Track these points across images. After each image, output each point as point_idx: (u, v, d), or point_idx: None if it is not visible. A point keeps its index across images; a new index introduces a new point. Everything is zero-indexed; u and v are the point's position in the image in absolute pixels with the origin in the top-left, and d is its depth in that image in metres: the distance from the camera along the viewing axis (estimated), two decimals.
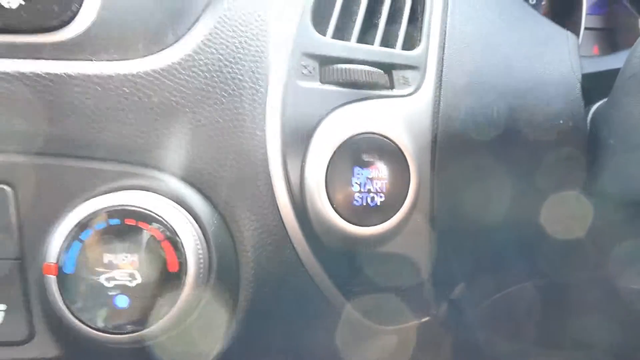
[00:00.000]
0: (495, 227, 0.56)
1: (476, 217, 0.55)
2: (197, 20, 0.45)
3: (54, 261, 0.37)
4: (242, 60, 0.46)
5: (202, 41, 0.44)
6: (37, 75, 0.41)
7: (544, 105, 0.55)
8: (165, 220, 0.38)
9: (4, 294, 0.40)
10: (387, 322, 0.58)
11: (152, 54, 0.44)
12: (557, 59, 0.58)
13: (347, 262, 0.51)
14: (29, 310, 0.40)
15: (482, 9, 0.58)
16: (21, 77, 0.41)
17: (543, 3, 0.89)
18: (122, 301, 0.38)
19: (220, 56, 0.45)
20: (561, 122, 0.55)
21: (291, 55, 0.47)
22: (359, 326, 0.56)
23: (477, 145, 0.53)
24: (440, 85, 0.53)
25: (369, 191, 0.47)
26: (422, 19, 0.55)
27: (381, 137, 0.48)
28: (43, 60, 0.41)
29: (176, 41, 0.44)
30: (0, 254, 0.40)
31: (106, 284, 0.37)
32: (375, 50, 0.52)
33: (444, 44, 0.54)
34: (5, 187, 0.40)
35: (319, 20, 0.51)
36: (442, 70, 0.53)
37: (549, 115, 0.55)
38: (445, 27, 0.55)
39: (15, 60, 0.41)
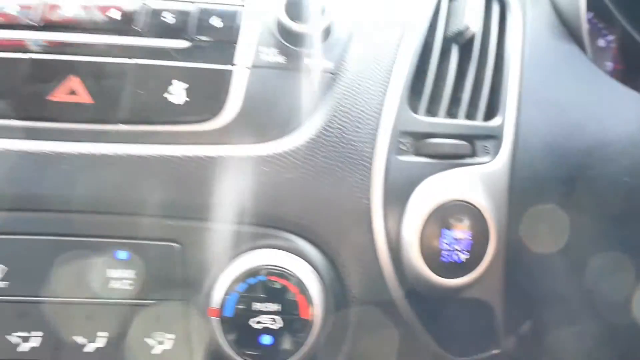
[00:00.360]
0: (563, 271, 0.64)
1: (546, 263, 0.64)
2: (316, 109, 0.56)
3: (217, 307, 0.49)
4: (352, 141, 0.56)
5: (321, 126, 0.55)
6: (198, 157, 0.53)
7: (611, 163, 0.63)
8: (298, 277, 0.50)
9: (173, 327, 0.52)
10: (461, 354, 0.67)
11: (282, 137, 0.55)
12: (625, 119, 0.64)
13: (432, 304, 0.61)
14: (191, 340, 0.53)
15: (556, 75, 0.65)
16: (185, 158, 0.53)
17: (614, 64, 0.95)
18: (267, 339, 0.49)
19: (335, 138, 0.55)
20: (627, 179, 0.62)
21: (391, 134, 0.57)
22: (437, 356, 0.66)
23: (549, 200, 0.62)
24: (516, 149, 0.61)
25: (454, 249, 0.56)
26: (500, 91, 0.64)
27: (465, 204, 0.57)
28: (201, 145, 0.53)
29: (299, 127, 0.55)
30: (171, 296, 0.52)
31: (255, 325, 0.49)
32: (460, 124, 0.61)
33: (520, 112, 0.62)
34: (175, 244, 0.52)
35: (413, 98, 0.61)
36: (518, 136, 0.62)
37: (616, 172, 0.62)
38: (521, 96, 0.63)
39: (179, 145, 0.53)
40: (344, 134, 0.55)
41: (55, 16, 0.55)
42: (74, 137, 0.52)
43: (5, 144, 0.52)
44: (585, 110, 0.64)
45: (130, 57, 0.54)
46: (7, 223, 0.51)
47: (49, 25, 0.55)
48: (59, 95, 0.53)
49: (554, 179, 0.62)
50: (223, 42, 0.56)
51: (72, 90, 0.53)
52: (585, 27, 0.70)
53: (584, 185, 0.62)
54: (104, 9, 0.56)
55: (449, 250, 0.56)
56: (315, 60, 0.57)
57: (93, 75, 0.53)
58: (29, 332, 0.52)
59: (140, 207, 0.52)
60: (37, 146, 0.52)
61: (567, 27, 0.71)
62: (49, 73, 0.53)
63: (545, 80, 0.65)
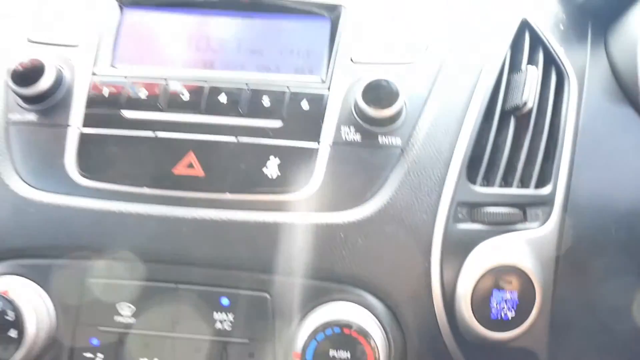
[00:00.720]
0: (604, 327, 0.72)
1: (588, 320, 0.71)
2: (386, 182, 0.66)
3: (299, 352, 0.61)
4: (415, 211, 0.66)
5: (389, 198, 0.65)
6: (286, 223, 0.64)
7: None
8: (366, 331, 0.60)
9: None
10: None
11: (357, 207, 0.65)
12: None
13: (482, 352, 0.70)
14: None
15: (610, 140, 0.71)
16: (276, 224, 0.64)
17: None
18: None
19: (401, 209, 0.65)
20: None
21: (450, 205, 0.66)
22: None
23: (596, 260, 0.69)
24: (566, 215, 0.68)
25: (503, 308, 0.65)
26: (553, 158, 0.71)
27: (515, 268, 0.66)
28: (289, 213, 0.65)
29: (372, 197, 0.66)
30: (262, 337, 0.64)
31: None
32: (514, 193, 0.69)
33: (571, 179, 0.69)
34: (267, 295, 0.64)
35: (471, 167, 0.69)
36: (568, 203, 0.69)
37: None
38: (574, 163, 0.70)
39: (272, 212, 0.65)
40: (408, 205, 0.65)
41: (176, 100, 0.68)
42: (190, 203, 0.65)
43: (138, 207, 0.65)
44: (637, 171, 0.70)
45: (235, 136, 0.66)
46: (136, 272, 0.65)
47: (171, 107, 0.68)
48: (180, 169, 0.65)
49: (601, 241, 0.68)
50: (310, 123, 0.67)
51: (190, 164, 0.66)
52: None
53: (630, 245, 0.68)
54: (215, 93, 0.69)
55: (498, 308, 0.65)
56: (387, 139, 0.67)
57: (205, 152, 0.66)
58: (151, 359, 0.65)
59: (240, 263, 0.64)
60: (161, 211, 0.65)
61: (625, 91, 0.76)
62: (173, 150, 0.66)
63: (598, 146, 0.71)
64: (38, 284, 0.65)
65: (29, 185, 0.66)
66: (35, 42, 0.73)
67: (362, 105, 0.65)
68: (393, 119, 0.67)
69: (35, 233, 0.65)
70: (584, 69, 0.77)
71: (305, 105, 0.67)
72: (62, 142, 0.67)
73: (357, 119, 0.67)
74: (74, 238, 0.65)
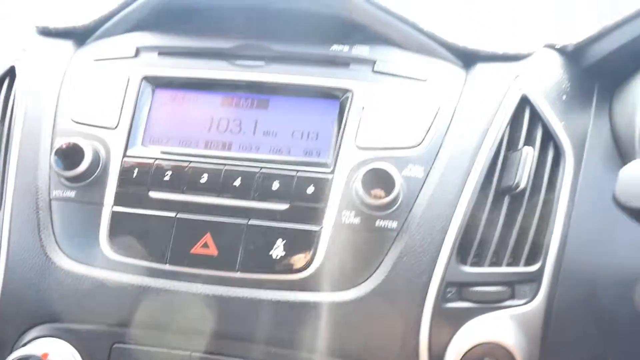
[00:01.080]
0: None
1: None
2: (381, 263, 0.73)
3: None
4: (407, 290, 0.72)
5: (382, 280, 0.72)
6: (288, 301, 0.72)
7: None
8: None
9: None
10: None
11: (353, 287, 0.72)
12: None
13: None
14: None
15: (603, 210, 0.74)
16: (279, 301, 0.72)
17: None
18: None
19: (393, 289, 0.71)
20: None
21: (439, 285, 0.72)
22: None
23: (582, 334, 0.74)
24: (554, 291, 0.73)
25: None
26: (544, 236, 0.75)
27: (499, 345, 0.71)
28: (292, 291, 0.72)
29: (367, 278, 0.73)
30: None
31: None
32: (503, 272, 0.75)
33: (563, 253, 0.73)
34: None
35: (462, 246, 0.73)
36: (556, 279, 0.73)
37: None
38: (565, 241, 0.74)
39: (277, 290, 0.72)
40: (399, 287, 0.72)
41: (195, 182, 0.76)
42: (204, 280, 0.73)
43: (158, 283, 0.74)
44: (628, 249, 0.73)
45: (246, 218, 0.74)
46: (156, 340, 0.74)
47: (191, 189, 0.76)
48: (197, 249, 0.74)
49: (588, 315, 0.72)
50: (314, 206, 0.74)
51: (205, 244, 0.74)
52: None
53: (617, 316, 0.72)
54: (230, 176, 0.76)
55: None
56: (383, 222, 0.74)
57: (219, 232, 0.74)
58: None
59: (248, 336, 0.72)
60: (178, 286, 0.73)
61: (624, 157, 0.80)
62: (192, 230, 0.74)
63: (593, 218, 0.74)
64: (72, 345, 0.74)
65: (68, 256, 0.76)
66: (78, 123, 0.82)
67: (361, 192, 0.72)
68: (389, 205, 0.73)
69: (71, 300, 0.75)
70: (584, 139, 0.81)
71: (310, 189, 0.75)
72: (97, 219, 0.76)
73: (358, 203, 0.73)
74: (103, 306, 0.74)
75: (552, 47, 0.89)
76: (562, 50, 0.88)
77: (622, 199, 0.62)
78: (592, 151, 0.80)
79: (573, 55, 0.87)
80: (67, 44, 0.90)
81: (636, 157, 0.78)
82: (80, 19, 0.92)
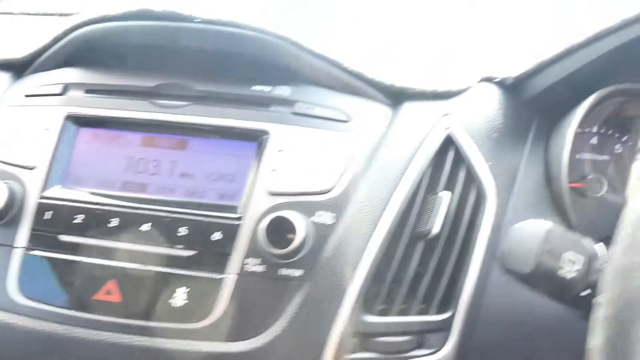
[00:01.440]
0: None
1: None
2: (281, 315, 0.72)
3: None
4: (307, 341, 0.72)
5: (282, 329, 0.72)
6: (188, 351, 0.72)
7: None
8: None
9: None
10: None
11: (255, 336, 0.72)
12: None
13: None
14: None
15: None
16: (179, 352, 0.72)
17: None
18: None
19: (293, 340, 0.71)
20: None
21: (341, 337, 0.72)
22: None
23: None
24: (463, 340, 0.72)
25: None
26: (457, 284, 0.74)
27: None
28: (192, 341, 0.72)
29: (267, 329, 0.72)
30: None
31: None
32: (411, 321, 0.74)
33: (476, 301, 0.72)
34: None
35: (369, 294, 0.73)
36: (466, 328, 0.73)
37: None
38: (485, 287, 0.73)
39: (178, 340, 0.73)
40: (299, 337, 0.71)
41: (105, 227, 0.77)
42: (107, 327, 0.74)
43: (62, 329, 0.74)
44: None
45: (151, 264, 0.75)
46: None
47: (100, 234, 0.77)
48: (101, 295, 0.74)
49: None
50: (219, 253, 0.74)
51: (109, 290, 0.74)
52: (567, 197, 0.76)
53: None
54: (139, 221, 0.77)
55: None
56: (287, 271, 0.73)
57: (124, 279, 0.74)
58: None
59: None
60: (81, 333, 0.74)
61: (554, 199, 0.79)
62: (97, 276, 0.75)
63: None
64: None
65: None
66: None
67: (264, 241, 0.72)
68: (293, 254, 0.72)
69: None
70: (515, 178, 0.79)
71: (217, 236, 0.74)
72: (7, 261, 0.77)
73: (262, 250, 0.73)
74: (10, 352, 0.75)
75: (489, 80, 0.87)
76: (500, 84, 0.86)
77: (504, 260, 0.61)
78: (520, 192, 0.79)
79: (512, 89, 0.85)
80: (5, 77, 0.91)
81: (563, 195, 0.77)
82: (20, 51, 0.92)
